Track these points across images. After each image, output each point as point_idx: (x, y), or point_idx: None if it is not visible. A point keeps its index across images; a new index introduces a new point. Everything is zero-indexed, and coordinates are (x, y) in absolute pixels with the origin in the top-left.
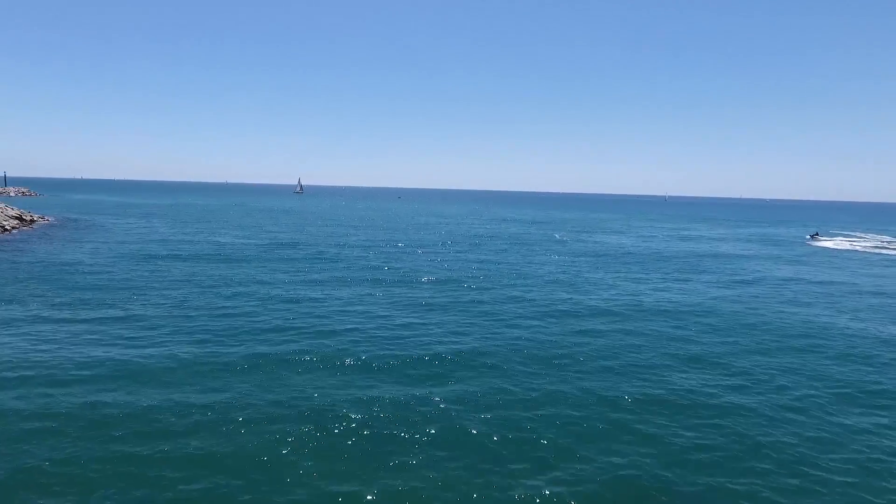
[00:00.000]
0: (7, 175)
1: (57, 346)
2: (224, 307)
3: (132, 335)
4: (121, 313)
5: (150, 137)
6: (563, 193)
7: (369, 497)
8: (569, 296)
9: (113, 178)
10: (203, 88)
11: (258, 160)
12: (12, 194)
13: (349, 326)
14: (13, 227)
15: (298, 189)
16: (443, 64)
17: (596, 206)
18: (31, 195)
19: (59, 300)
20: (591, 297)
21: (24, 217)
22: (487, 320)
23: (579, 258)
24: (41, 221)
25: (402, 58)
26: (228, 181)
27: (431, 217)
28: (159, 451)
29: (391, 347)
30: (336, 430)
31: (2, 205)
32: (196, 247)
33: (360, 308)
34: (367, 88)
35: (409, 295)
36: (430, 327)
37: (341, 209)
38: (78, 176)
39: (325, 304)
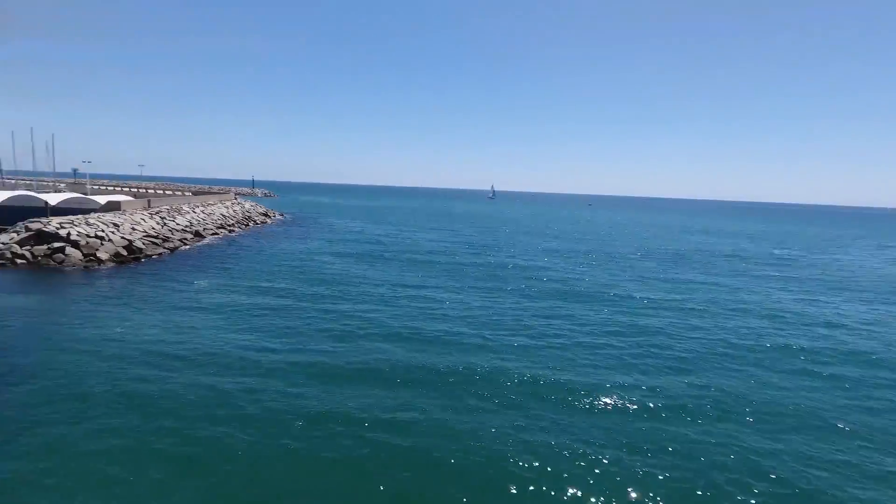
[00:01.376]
0: (255, 178)
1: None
2: (396, 307)
3: (368, 332)
4: (337, 297)
5: (364, 147)
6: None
7: None
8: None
9: (331, 182)
10: (429, 103)
11: (449, 165)
12: (259, 195)
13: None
14: (262, 221)
15: (491, 195)
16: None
17: (814, 219)
18: (271, 196)
19: (284, 282)
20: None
21: (268, 214)
22: (716, 355)
23: (823, 287)
24: (279, 218)
25: (600, 62)
26: (422, 186)
27: (624, 226)
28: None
29: (589, 371)
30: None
31: (253, 203)
32: (395, 246)
33: (547, 323)
34: (566, 92)
35: (601, 317)
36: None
37: (537, 217)
38: (307, 180)
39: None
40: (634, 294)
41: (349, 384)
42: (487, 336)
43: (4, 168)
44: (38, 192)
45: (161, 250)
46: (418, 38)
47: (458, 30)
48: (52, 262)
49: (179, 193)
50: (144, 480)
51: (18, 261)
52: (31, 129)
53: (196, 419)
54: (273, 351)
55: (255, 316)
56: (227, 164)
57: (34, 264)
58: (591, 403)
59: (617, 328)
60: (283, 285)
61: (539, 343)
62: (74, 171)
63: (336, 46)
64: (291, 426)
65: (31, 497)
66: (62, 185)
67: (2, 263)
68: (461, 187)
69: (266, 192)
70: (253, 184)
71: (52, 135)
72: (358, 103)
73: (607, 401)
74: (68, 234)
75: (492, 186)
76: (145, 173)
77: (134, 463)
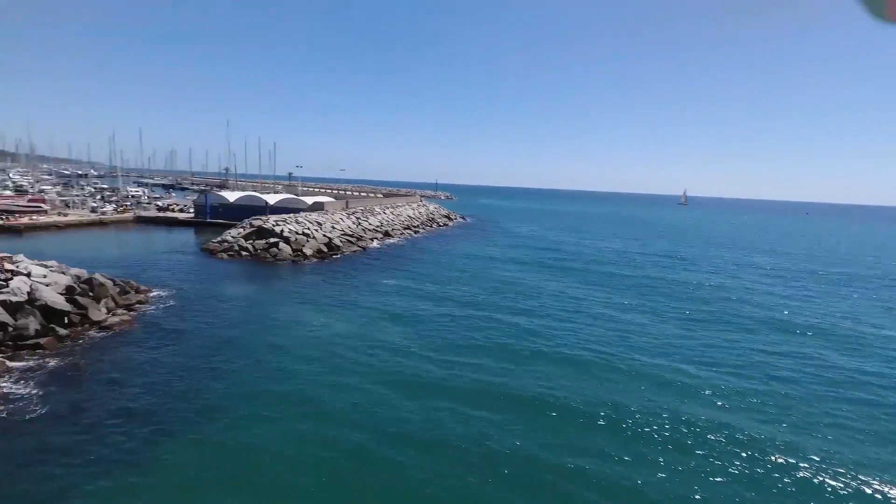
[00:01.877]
0: (438, 182)
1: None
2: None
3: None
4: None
5: (527, 148)
6: None
7: None
8: None
9: (505, 185)
10: (596, 103)
11: (624, 166)
12: (441, 198)
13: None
14: (444, 223)
15: (682, 200)
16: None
17: None
18: (452, 198)
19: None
20: None
21: (450, 216)
22: None
23: None
24: (460, 220)
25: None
26: (598, 189)
27: (862, 239)
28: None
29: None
30: None
31: (437, 205)
32: (577, 254)
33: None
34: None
35: (848, 361)
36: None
37: (740, 226)
38: (484, 184)
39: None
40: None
41: (532, 414)
42: (695, 374)
43: (239, 171)
44: (261, 193)
45: (355, 248)
46: (580, 42)
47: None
48: (268, 256)
49: (372, 195)
50: (325, 490)
51: (243, 252)
52: (259, 138)
53: (367, 429)
54: (452, 365)
55: (437, 325)
56: (413, 167)
57: (255, 256)
58: (856, 488)
59: (873, 378)
60: (463, 291)
61: (765, 388)
62: (290, 174)
63: (516, 50)
64: (467, 455)
65: (218, 490)
66: (279, 186)
67: (231, 254)
68: (642, 192)
69: (447, 194)
70: (436, 187)
71: (274, 143)
72: (530, 108)
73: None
74: (282, 231)
75: (684, 192)
76: (345, 177)
77: (319, 472)
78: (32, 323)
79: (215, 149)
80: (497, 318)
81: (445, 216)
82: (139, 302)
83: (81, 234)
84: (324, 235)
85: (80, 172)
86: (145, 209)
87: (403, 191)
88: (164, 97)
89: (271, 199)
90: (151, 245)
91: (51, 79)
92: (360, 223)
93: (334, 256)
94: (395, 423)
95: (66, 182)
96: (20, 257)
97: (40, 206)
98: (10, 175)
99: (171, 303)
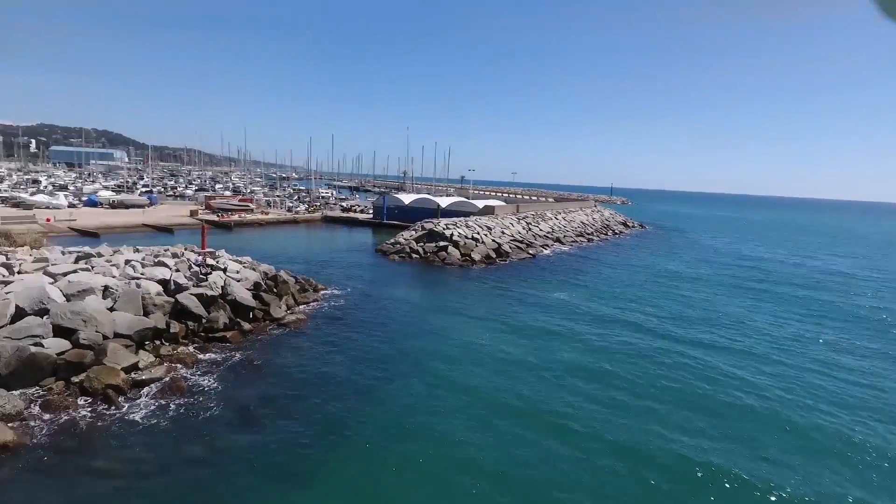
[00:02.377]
0: (613, 186)
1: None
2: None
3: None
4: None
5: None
6: None
7: None
8: None
9: (682, 190)
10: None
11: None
12: (617, 202)
13: None
14: (620, 232)
15: None
16: None
17: None
18: (627, 203)
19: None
20: None
21: (627, 223)
22: None
23: None
24: (639, 228)
25: None
26: (790, 196)
27: None
28: None
29: None
30: None
31: (612, 211)
32: (785, 275)
33: None
34: None
35: None
36: None
37: None
38: (659, 188)
39: None
40: None
41: None
42: None
43: (415, 174)
44: (434, 196)
45: (524, 255)
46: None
47: None
48: (437, 259)
49: (542, 200)
50: None
51: (413, 255)
52: (436, 143)
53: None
54: (632, 415)
55: (616, 357)
56: (586, 171)
57: (424, 259)
58: None
59: None
60: (645, 315)
61: None
62: (461, 178)
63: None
64: None
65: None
66: (451, 189)
67: (402, 256)
68: (847, 198)
69: (623, 199)
70: (611, 191)
71: (449, 147)
72: (713, 109)
73: None
74: (451, 235)
75: None
76: (517, 180)
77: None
78: (222, 317)
79: (395, 153)
80: (689, 355)
81: (622, 223)
82: (315, 300)
83: (278, 231)
84: (493, 241)
85: (283, 175)
86: (331, 209)
87: (576, 195)
88: (354, 108)
89: (443, 201)
90: (333, 243)
91: (261, 98)
92: (530, 228)
93: (502, 262)
94: (558, 487)
95: (272, 184)
96: (221, 252)
97: (248, 206)
98: (232, 178)
99: (343, 302)
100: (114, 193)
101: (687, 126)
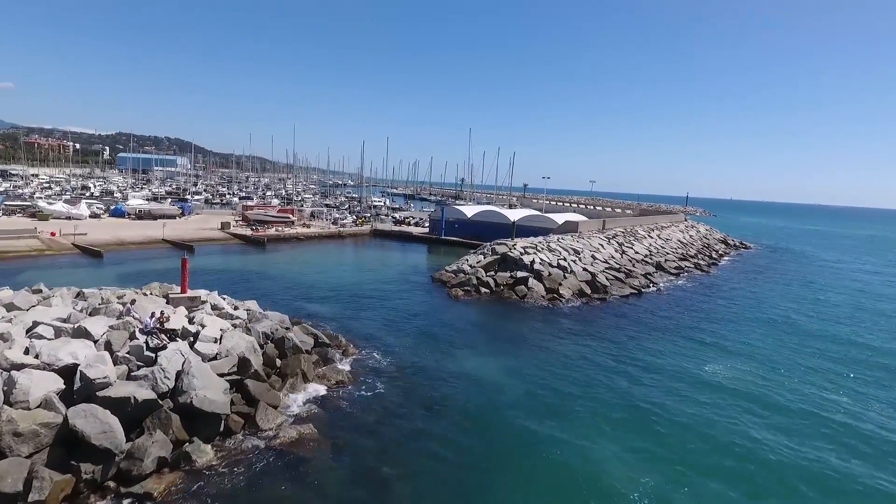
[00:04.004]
0: (689, 195)
1: None
2: None
3: None
4: None
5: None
6: None
7: None
8: None
9: (762, 200)
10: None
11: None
12: (698, 214)
13: None
14: (722, 252)
15: None
16: None
17: None
18: (708, 215)
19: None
20: None
21: (727, 241)
22: None
23: None
24: (744, 248)
25: None
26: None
27: None
28: None
29: None
30: None
31: (707, 227)
32: None
33: None
34: None
35: None
36: None
37: None
38: (728, 197)
39: None
40: None
41: None
42: None
43: (475, 181)
44: (501, 208)
45: (627, 291)
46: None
47: None
48: (514, 295)
49: (623, 212)
50: None
51: (482, 289)
52: (498, 148)
53: None
54: None
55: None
56: (658, 178)
57: (496, 293)
58: None
59: None
60: (843, 408)
61: None
62: (525, 186)
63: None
64: None
65: None
66: (514, 198)
67: (467, 290)
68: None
69: (703, 210)
70: (686, 201)
71: (514, 153)
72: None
73: None
74: (532, 262)
75: None
76: (596, 189)
77: None
78: (154, 447)
79: (454, 159)
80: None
81: (721, 241)
82: (338, 380)
83: (318, 248)
84: (584, 269)
85: (338, 182)
86: (382, 222)
87: (662, 207)
88: (411, 110)
89: (512, 215)
90: (380, 267)
91: (310, 102)
92: (624, 251)
93: (599, 299)
94: None
95: (324, 191)
96: (208, 297)
97: (288, 218)
98: (286, 184)
99: (381, 385)
100: (144, 202)
101: (751, 130)
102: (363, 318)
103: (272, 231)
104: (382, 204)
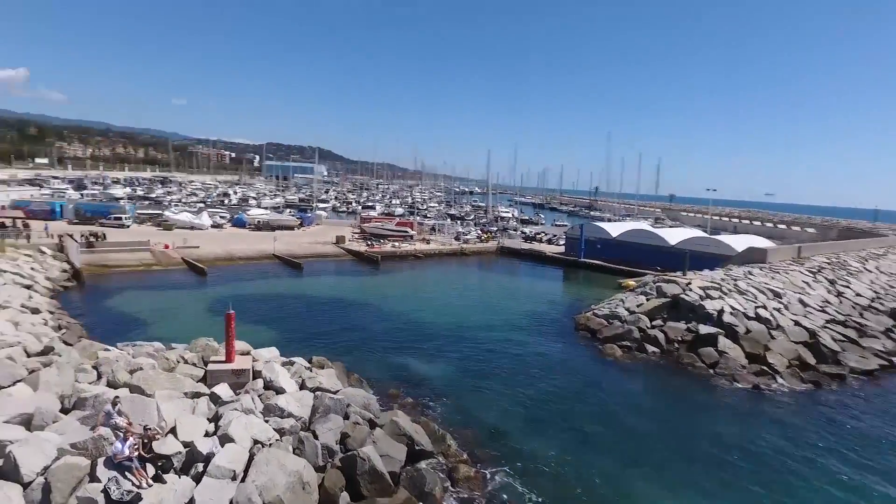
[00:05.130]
0: (879, 208)
1: None
2: None
3: None
4: None
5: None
6: None
7: None
8: None
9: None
10: None
11: None
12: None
13: None
14: None
15: None
16: None
17: None
18: None
19: None
20: None
21: None
22: None
23: None
24: None
25: None
26: None
27: None
28: None
29: None
30: None
31: None
32: None
33: None
34: None
35: None
36: None
37: None
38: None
39: None
40: None
41: None
42: None
43: (611, 190)
44: (654, 226)
45: (872, 362)
46: None
47: None
48: (696, 361)
49: (805, 230)
50: None
51: (649, 347)
52: (640, 154)
53: None
54: None
55: None
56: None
57: (670, 355)
58: None
59: None
60: None
61: None
62: (671, 196)
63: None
64: None
65: None
66: (658, 210)
67: (624, 347)
68: None
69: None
70: (875, 215)
71: (660, 159)
72: None
73: None
74: (719, 312)
75: None
76: (774, 201)
77: None
78: None
79: (587, 167)
80: None
81: None
82: None
83: (436, 267)
84: (796, 324)
85: (465, 189)
86: (510, 237)
87: (861, 225)
88: (540, 117)
89: (671, 235)
90: (508, 298)
91: (439, 109)
92: (838, 291)
93: (833, 377)
94: None
95: (448, 200)
96: (267, 366)
97: (406, 232)
98: (413, 192)
99: None
100: (264, 212)
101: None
102: (486, 391)
103: (388, 247)
104: (510, 216)
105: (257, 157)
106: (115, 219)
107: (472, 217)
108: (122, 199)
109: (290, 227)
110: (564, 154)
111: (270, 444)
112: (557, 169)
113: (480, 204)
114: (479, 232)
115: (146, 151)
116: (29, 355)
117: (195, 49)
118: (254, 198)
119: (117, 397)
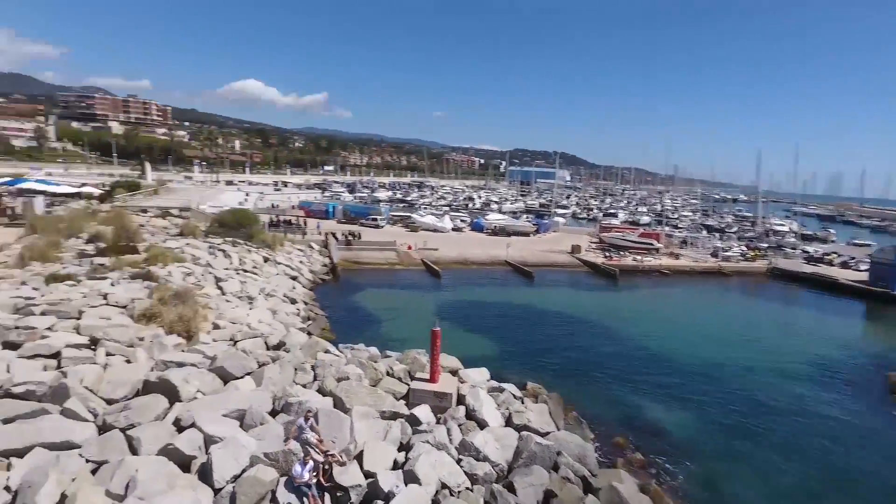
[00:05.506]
0: None
1: None
2: None
3: None
4: None
5: None
6: None
7: None
8: None
9: None
10: None
11: None
12: None
13: None
14: None
15: None
16: None
17: None
18: None
19: None
20: None
21: None
22: None
23: None
24: None
25: None
26: None
27: None
28: None
29: None
30: None
31: None
32: None
33: None
34: None
35: None
36: None
37: None
38: None
39: None
40: None
41: None
42: None
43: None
44: None
45: None
46: None
47: None
48: None
49: None
50: None
51: None
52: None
53: None
54: None
55: None
56: None
57: None
58: None
59: None
60: None
61: None
62: None
63: None
64: None
65: None
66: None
67: None
68: None
69: None
70: None
71: None
72: None
73: None
74: None
75: None
76: None
77: None
78: None
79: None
80: None
81: None
82: None
83: (686, 289)
84: None
85: (727, 196)
86: (787, 256)
87: None
88: (826, 111)
89: None
90: (783, 333)
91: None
92: None
93: None
94: None
95: (705, 209)
96: (472, 392)
97: (652, 244)
98: (664, 199)
99: None
100: (501, 217)
101: None
102: (748, 459)
103: (628, 260)
104: (787, 230)
105: (503, 163)
106: (372, 220)
107: (734, 230)
108: (383, 201)
109: (526, 234)
110: (868, 153)
111: (458, 493)
112: (856, 173)
113: (746, 214)
114: (744, 248)
115: (408, 159)
116: (268, 348)
117: (452, 64)
118: (495, 202)
119: (309, 411)
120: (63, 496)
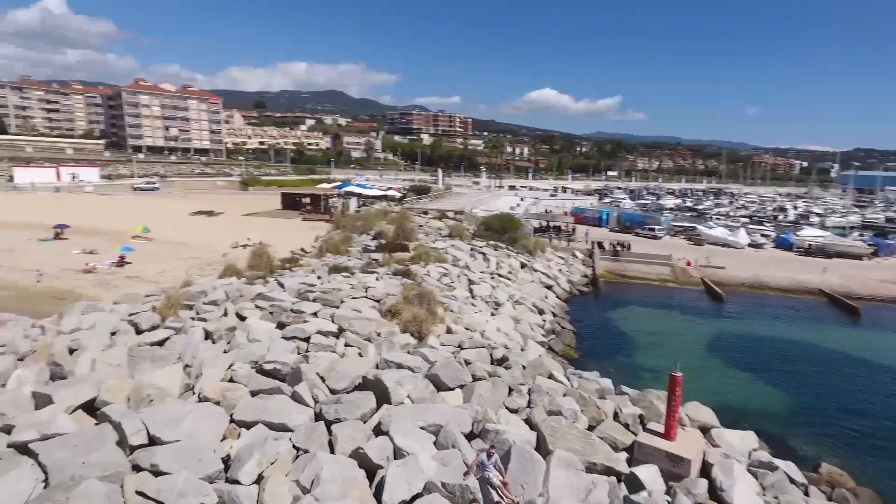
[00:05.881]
0: None
1: None
2: None
3: None
4: None
5: None
6: None
7: None
8: None
9: None
10: None
11: None
12: None
13: None
14: None
15: None
16: None
17: None
18: None
19: None
20: None
21: None
22: None
23: None
24: None
25: None
26: None
27: None
28: None
29: None
30: None
31: None
32: None
33: None
34: None
35: None
36: None
37: None
38: None
39: None
40: None
41: None
42: None
43: None
44: None
45: None
46: None
47: None
48: None
49: None
50: None
51: None
52: None
53: None
54: None
55: None
56: None
57: None
58: None
59: None
60: None
61: None
62: None
63: None
64: None
65: None
66: None
67: None
68: None
69: None
70: None
71: None
72: None
73: None
74: None
75: None
76: None
77: None
78: None
79: None
80: None
81: None
82: None
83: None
84: None
85: None
86: None
87: None
88: None
89: None
90: None
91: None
92: None
93: None
94: None
95: None
96: (723, 466)
97: None
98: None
99: None
100: (819, 233)
101: None
102: None
103: None
104: None
105: (835, 166)
106: (649, 229)
107: None
108: (669, 209)
109: (857, 256)
110: None
111: None
112: None
113: None
114: None
115: (706, 163)
116: (492, 361)
117: (771, 55)
118: (817, 214)
119: (493, 446)
120: (260, 477)
